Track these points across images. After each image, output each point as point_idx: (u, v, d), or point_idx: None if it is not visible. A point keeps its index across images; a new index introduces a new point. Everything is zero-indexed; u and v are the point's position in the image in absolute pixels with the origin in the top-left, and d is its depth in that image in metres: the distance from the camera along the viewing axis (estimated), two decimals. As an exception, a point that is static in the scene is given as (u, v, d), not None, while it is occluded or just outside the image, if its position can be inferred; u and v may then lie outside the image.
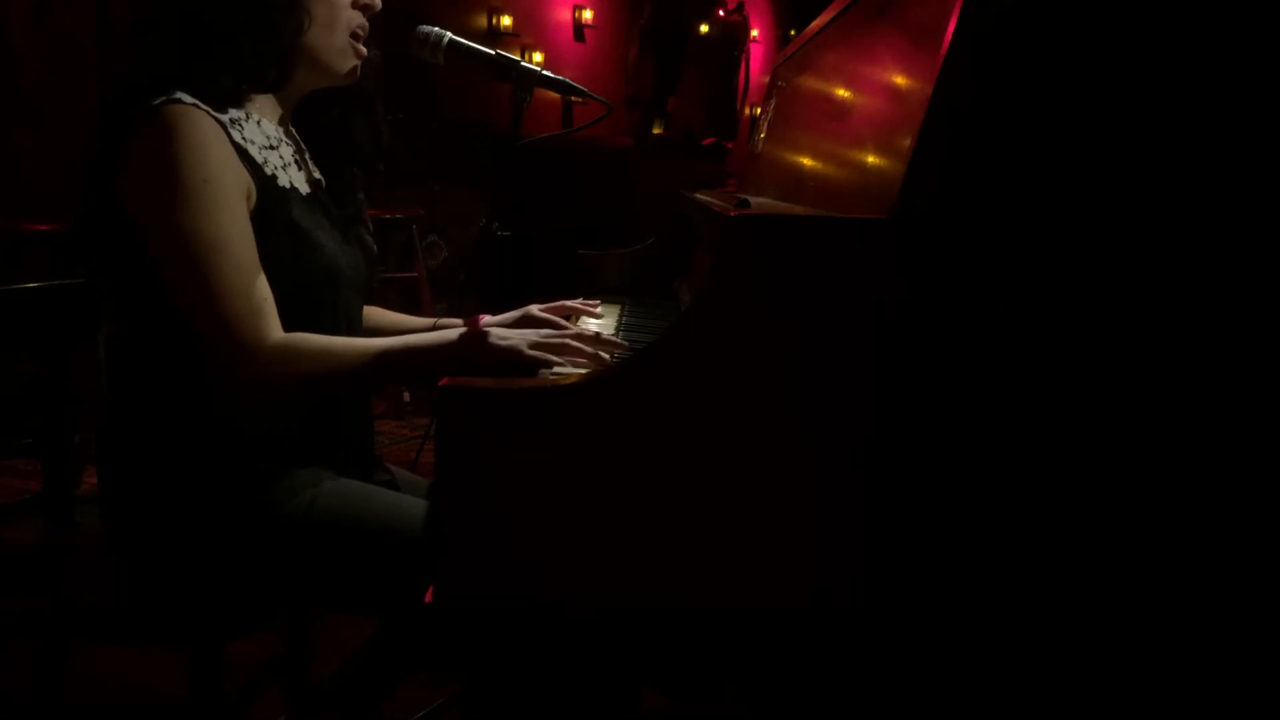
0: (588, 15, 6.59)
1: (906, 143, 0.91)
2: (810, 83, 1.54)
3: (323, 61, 1.34)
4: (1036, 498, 0.92)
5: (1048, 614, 0.93)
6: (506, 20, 5.93)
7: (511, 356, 1.23)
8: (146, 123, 1.19)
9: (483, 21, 5.87)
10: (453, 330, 1.28)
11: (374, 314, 1.56)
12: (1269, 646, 0.94)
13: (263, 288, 1.22)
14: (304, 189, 1.35)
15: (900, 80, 1.04)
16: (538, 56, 5.99)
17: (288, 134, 1.38)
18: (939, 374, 0.90)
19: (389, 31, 1.39)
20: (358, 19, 1.35)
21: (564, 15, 6.51)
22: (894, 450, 0.91)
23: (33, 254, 3.37)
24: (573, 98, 1.49)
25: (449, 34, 1.43)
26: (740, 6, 6.92)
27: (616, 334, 1.56)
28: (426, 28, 1.42)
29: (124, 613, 1.30)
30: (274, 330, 1.22)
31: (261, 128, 1.32)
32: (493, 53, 1.45)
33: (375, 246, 1.47)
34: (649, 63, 6.28)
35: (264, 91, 1.33)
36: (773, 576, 0.93)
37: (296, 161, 1.37)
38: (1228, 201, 0.92)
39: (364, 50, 1.37)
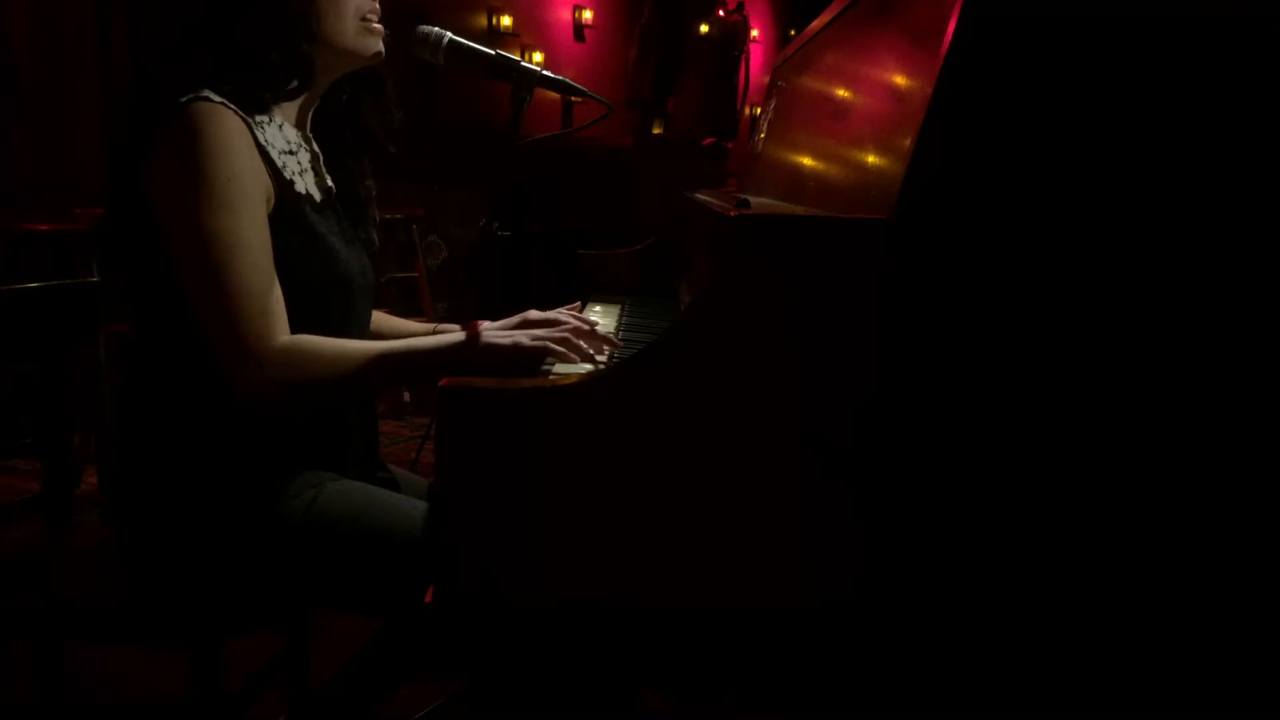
0: (588, 15, 6.59)
1: (906, 143, 0.91)
2: (810, 83, 1.54)
3: (337, 46, 1.32)
4: (1035, 493, 0.92)
5: (1047, 608, 0.93)
6: (506, 20, 5.93)
7: (512, 351, 1.23)
8: (174, 119, 1.19)
9: (483, 21, 5.87)
10: (455, 334, 1.28)
11: (375, 318, 1.56)
12: (1265, 641, 0.94)
13: (275, 290, 1.22)
14: (317, 195, 1.35)
15: (900, 80, 1.04)
16: (538, 56, 5.99)
17: (305, 139, 1.38)
18: (939, 373, 0.90)
19: (389, 31, 1.39)
20: (367, 4, 1.34)
21: (564, 15, 6.52)
22: (894, 449, 0.91)
23: (33, 254, 3.37)
24: (573, 98, 1.49)
25: (449, 34, 1.43)
26: (740, 6, 6.94)
27: (616, 334, 1.56)
28: (426, 28, 1.41)
29: (124, 613, 1.30)
30: (281, 333, 1.22)
31: (283, 131, 1.32)
32: (493, 53, 1.44)
33: (378, 242, 1.47)
34: (649, 63, 6.28)
35: (289, 99, 1.33)
36: (773, 576, 0.93)
37: (313, 168, 1.37)
38: (1228, 201, 0.92)
39: (380, 28, 1.35)
